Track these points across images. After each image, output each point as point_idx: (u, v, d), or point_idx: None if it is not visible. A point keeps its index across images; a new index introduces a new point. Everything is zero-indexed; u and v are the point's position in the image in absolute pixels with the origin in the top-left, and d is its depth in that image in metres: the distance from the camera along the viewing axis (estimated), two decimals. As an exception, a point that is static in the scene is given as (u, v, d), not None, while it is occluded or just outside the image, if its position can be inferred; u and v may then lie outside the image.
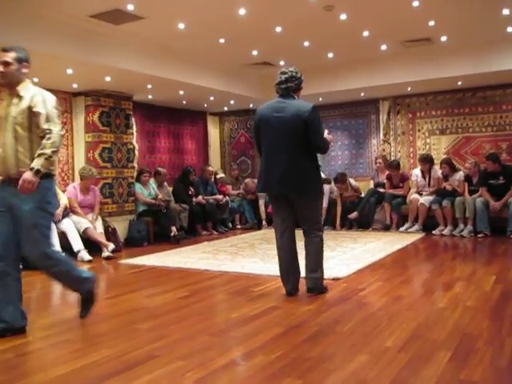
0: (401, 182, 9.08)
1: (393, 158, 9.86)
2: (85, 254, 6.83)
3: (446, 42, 7.77)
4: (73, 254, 6.86)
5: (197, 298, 4.53)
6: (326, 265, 5.74)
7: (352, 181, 9.44)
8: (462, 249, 7.09)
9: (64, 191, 7.44)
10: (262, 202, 9.85)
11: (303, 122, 4.23)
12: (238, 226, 9.83)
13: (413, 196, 8.68)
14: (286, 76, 4.44)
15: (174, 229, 8.18)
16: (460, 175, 8.54)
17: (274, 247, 7.12)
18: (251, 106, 10.65)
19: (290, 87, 4.42)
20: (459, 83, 8.83)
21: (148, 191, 8.62)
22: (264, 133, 4.41)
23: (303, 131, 4.24)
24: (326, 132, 4.46)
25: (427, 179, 8.79)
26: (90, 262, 6.71)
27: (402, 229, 8.64)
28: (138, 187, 8.57)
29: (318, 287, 4.50)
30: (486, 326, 3.45)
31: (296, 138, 4.26)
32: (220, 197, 9.54)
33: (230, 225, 9.77)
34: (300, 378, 2.66)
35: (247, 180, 10.29)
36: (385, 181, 9.23)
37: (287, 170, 4.27)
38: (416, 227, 8.52)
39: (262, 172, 4.44)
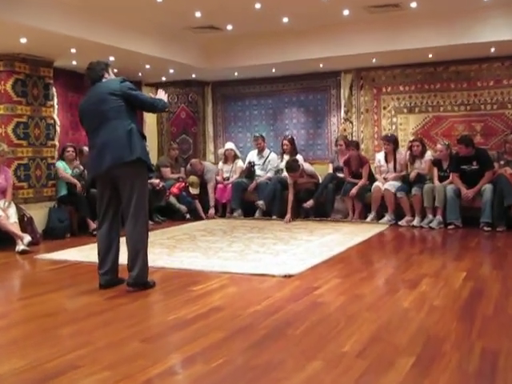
0: (360, 166, 9.20)
1: (355, 139, 10.00)
2: None
3: (417, 9, 7.84)
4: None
5: (127, 299, 4.50)
6: (277, 260, 5.91)
7: (307, 166, 9.51)
8: (430, 242, 7.26)
9: (-30, 173, 7.24)
10: (210, 186, 9.95)
11: (118, 98, 4.79)
12: (187, 215, 9.78)
13: (375, 184, 8.80)
14: (87, 70, 5.06)
15: (92, 224, 8.18)
16: (427, 155, 8.73)
17: (219, 240, 7.25)
18: (194, 76, 10.57)
19: (93, 77, 5.02)
20: (430, 56, 8.98)
21: (73, 170, 8.47)
22: (86, 124, 5.02)
23: (120, 106, 4.79)
24: (161, 93, 5.17)
25: (392, 164, 8.95)
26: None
27: (367, 219, 8.75)
28: (60, 163, 8.44)
29: (138, 282, 4.80)
30: (453, 328, 3.55)
31: (112, 116, 4.78)
32: (156, 181, 9.46)
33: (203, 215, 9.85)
34: (245, 388, 2.69)
35: (193, 161, 10.27)
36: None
37: (108, 149, 4.74)
38: (387, 218, 8.62)
39: (90, 159, 5.13)
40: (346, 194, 8.93)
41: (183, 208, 9.70)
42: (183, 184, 9.92)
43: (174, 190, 9.78)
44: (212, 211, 9.89)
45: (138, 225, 4.78)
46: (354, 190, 8.84)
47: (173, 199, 9.70)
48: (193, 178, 10.02)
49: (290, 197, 9.24)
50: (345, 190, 8.93)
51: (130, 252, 4.78)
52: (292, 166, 9.18)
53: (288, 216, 9.12)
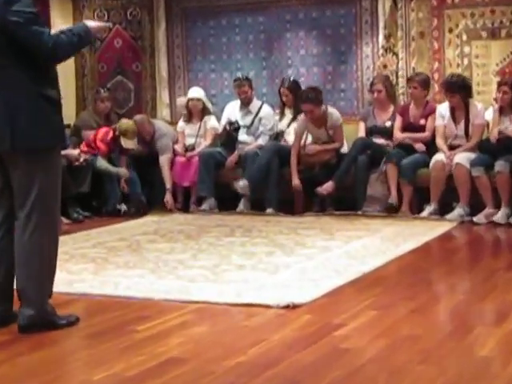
0: (423, 117, 9.25)
1: (404, 77, 10.00)
2: None
3: None
4: None
5: (29, 344, 4.49)
6: (274, 280, 5.92)
7: (332, 111, 9.55)
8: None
9: None
10: (165, 160, 9.94)
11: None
12: (121, 207, 9.76)
13: (436, 157, 8.82)
14: None
15: None
16: None
17: (178, 248, 7.26)
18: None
19: None
20: None
21: None
22: None
23: (3, 46, 4.62)
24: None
25: (462, 125, 8.98)
26: None
27: (424, 214, 8.80)
28: None
29: (36, 322, 4.68)
30: (562, 390, 3.57)
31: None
32: (74, 152, 9.42)
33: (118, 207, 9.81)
34: None
35: (137, 119, 10.19)
36: (387, 124, 9.39)
37: None
38: (459, 211, 8.62)
39: None
40: (390, 161, 8.97)
41: (122, 171, 9.75)
42: (112, 133, 9.89)
43: (101, 145, 9.67)
44: (169, 199, 9.91)
45: (36, 232, 4.69)
46: (400, 135, 9.04)
47: (102, 162, 9.72)
48: (127, 124, 9.83)
49: (293, 160, 9.34)
50: (388, 159, 8.98)
51: (20, 274, 4.72)
52: (311, 96, 9.26)
53: (299, 203, 9.29)
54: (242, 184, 9.27)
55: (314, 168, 9.34)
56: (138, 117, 10.24)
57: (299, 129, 9.35)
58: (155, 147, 9.96)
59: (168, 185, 9.88)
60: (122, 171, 9.67)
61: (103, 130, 9.86)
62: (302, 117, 9.42)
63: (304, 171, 9.29)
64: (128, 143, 9.83)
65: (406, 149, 9.03)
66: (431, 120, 9.13)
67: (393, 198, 8.94)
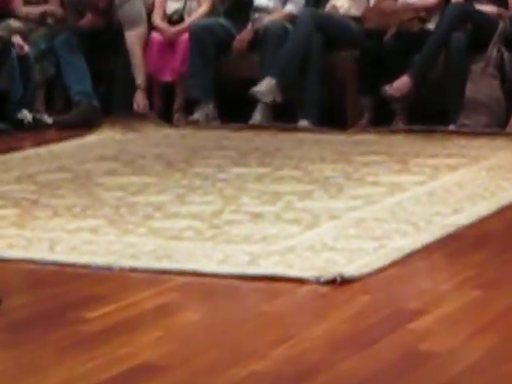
0: None
1: None
2: None
3: None
4: None
5: None
6: (311, 238, 5.84)
7: None
8: None
9: None
10: (134, 37, 9.90)
11: None
12: (48, 119, 9.80)
13: None
14: None
15: None
16: None
17: (154, 184, 7.29)
18: None
19: None
20: None
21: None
22: None
23: None
24: None
25: None
26: None
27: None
28: None
29: None
30: None
31: None
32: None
33: (27, 114, 9.77)
34: None
35: None
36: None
37: None
38: None
39: None
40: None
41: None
42: None
43: None
44: (140, 101, 9.84)
45: None
46: None
47: None
48: None
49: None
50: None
51: None
52: None
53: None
54: (265, 88, 9.09)
55: (383, 34, 9.25)
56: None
57: None
58: (116, 18, 9.89)
59: (139, 78, 9.81)
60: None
61: None
62: None
63: (368, 39, 9.25)
64: None
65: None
66: None
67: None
